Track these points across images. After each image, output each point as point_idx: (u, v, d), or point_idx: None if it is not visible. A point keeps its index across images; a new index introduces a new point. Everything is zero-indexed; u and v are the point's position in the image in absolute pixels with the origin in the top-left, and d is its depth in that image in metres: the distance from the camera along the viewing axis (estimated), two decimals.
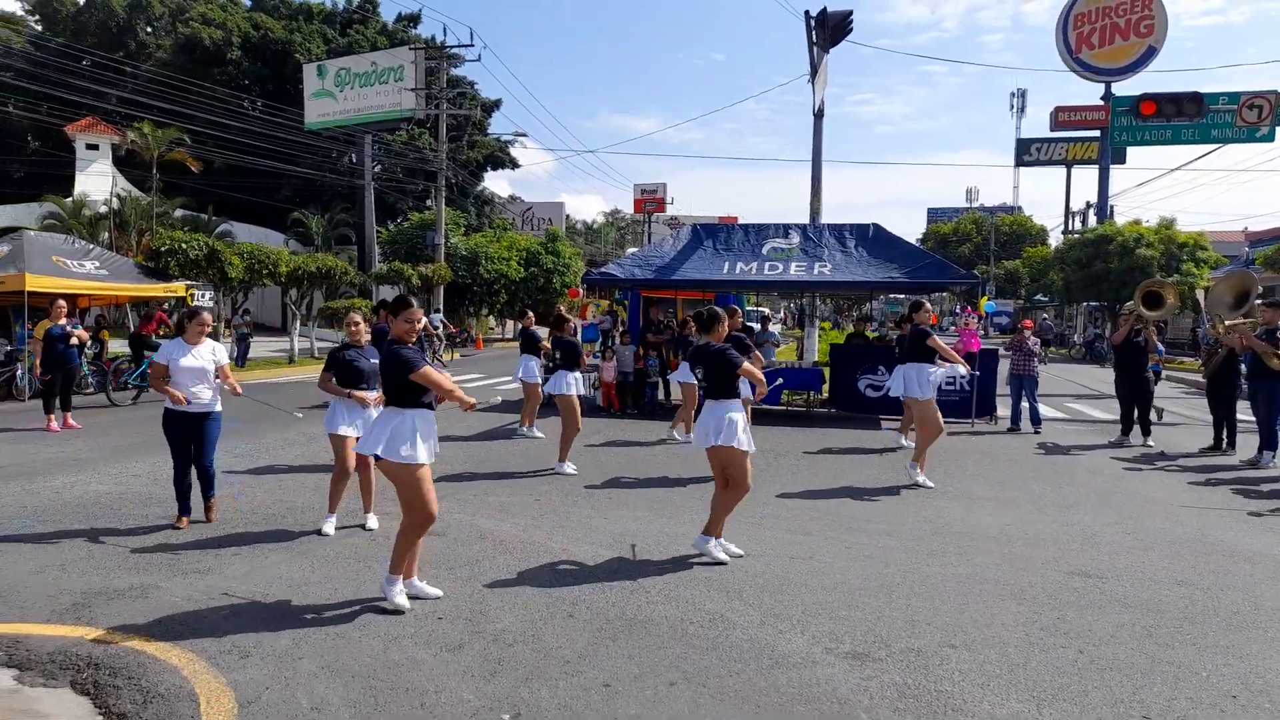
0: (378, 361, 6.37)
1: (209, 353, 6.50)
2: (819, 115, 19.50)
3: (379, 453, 4.70)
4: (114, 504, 7.15)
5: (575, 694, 3.81)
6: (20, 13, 48.20)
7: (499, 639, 4.40)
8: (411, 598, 4.86)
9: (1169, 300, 11.83)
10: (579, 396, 9.36)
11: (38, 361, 11.58)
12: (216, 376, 6.53)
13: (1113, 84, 38.68)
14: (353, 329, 6.60)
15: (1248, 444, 10.78)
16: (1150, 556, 6.17)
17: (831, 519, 7.13)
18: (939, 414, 8.77)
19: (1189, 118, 15.28)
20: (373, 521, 6.51)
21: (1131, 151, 42.49)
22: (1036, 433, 12.44)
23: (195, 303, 18.21)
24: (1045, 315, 54.74)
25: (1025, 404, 12.78)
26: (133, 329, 18.98)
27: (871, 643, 4.45)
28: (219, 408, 6.58)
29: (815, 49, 18.94)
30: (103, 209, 34.02)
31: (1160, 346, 11.92)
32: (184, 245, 18.67)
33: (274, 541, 6.10)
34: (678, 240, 15.64)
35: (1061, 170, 53.91)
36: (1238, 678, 4.12)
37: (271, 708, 3.64)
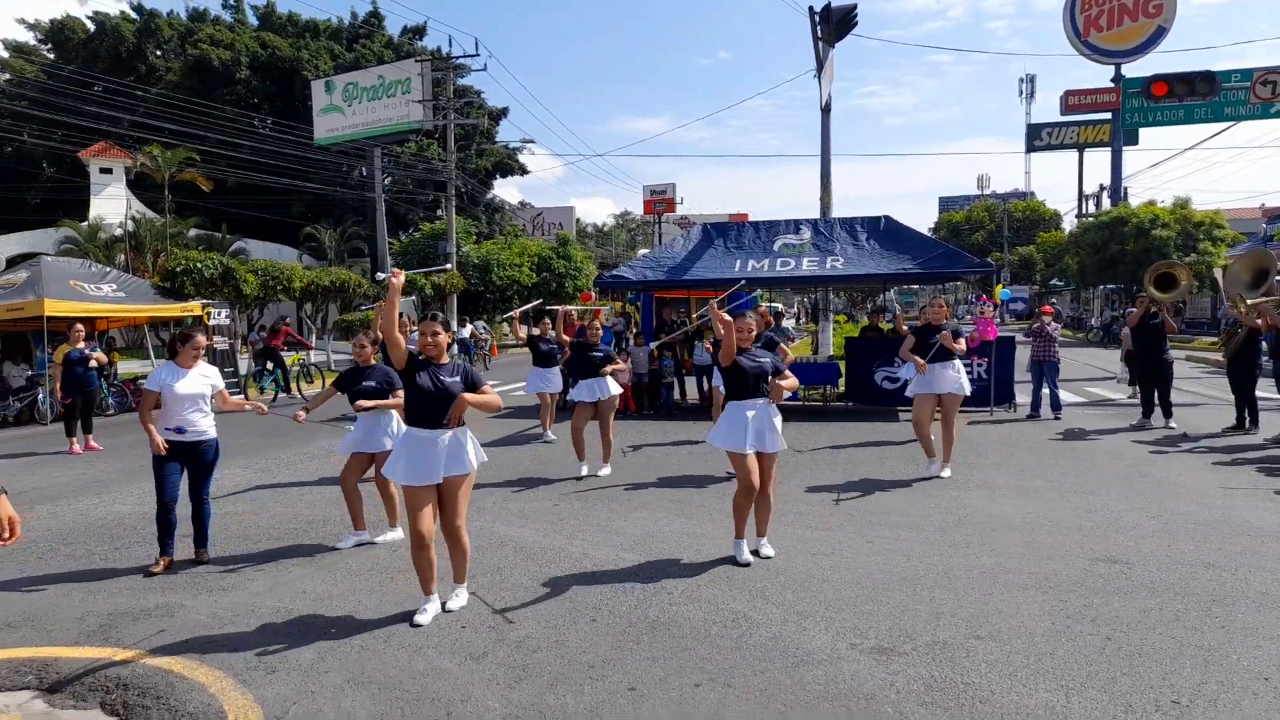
0: (373, 385, 6.44)
1: (204, 376, 6.04)
2: (826, 110, 19.46)
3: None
4: (137, 524, 7.21)
5: (601, 699, 3.81)
6: (33, 42, 48.79)
7: (522, 646, 4.40)
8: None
9: (1182, 282, 11.76)
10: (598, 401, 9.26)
11: (58, 385, 11.70)
12: (213, 399, 6.09)
13: (1122, 65, 38.40)
14: (363, 351, 6.62)
15: (1270, 423, 10.66)
16: (1176, 540, 6.11)
17: (852, 513, 7.10)
18: (919, 410, 8.65)
19: (1201, 96, 15.13)
20: (390, 536, 6.53)
21: (1144, 132, 42.05)
22: (1057, 419, 12.34)
23: (213, 321, 18.37)
24: (1054, 299, 54.35)
25: (1045, 390, 12.68)
26: (260, 344, 19.57)
27: (896, 637, 4.43)
28: (214, 434, 6.08)
29: (820, 44, 18.90)
30: (118, 232, 34.40)
31: (1174, 328, 11.80)
32: (199, 264, 18.85)
33: (296, 556, 6.14)
34: (688, 240, 15.64)
35: (1073, 154, 53.58)
36: (1270, 659, 4.06)
37: None
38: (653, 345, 13.76)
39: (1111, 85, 39.65)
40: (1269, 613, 4.67)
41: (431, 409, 4.79)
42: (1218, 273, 15.95)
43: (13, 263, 27.22)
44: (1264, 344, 11.63)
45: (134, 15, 49.38)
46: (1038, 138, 53.88)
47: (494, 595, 5.17)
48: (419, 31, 51.55)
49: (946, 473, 8.45)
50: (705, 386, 12.88)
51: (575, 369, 9.47)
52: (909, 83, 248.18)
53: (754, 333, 6.02)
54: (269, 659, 4.29)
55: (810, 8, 18.97)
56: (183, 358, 5.96)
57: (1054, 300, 52.73)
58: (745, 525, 5.81)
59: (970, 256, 15.06)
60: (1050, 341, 12.73)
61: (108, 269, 18.52)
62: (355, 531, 6.44)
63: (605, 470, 8.95)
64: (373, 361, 6.63)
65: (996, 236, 67.15)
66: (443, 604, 4.90)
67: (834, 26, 18.75)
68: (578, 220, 73.22)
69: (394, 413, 6.44)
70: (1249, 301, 10.45)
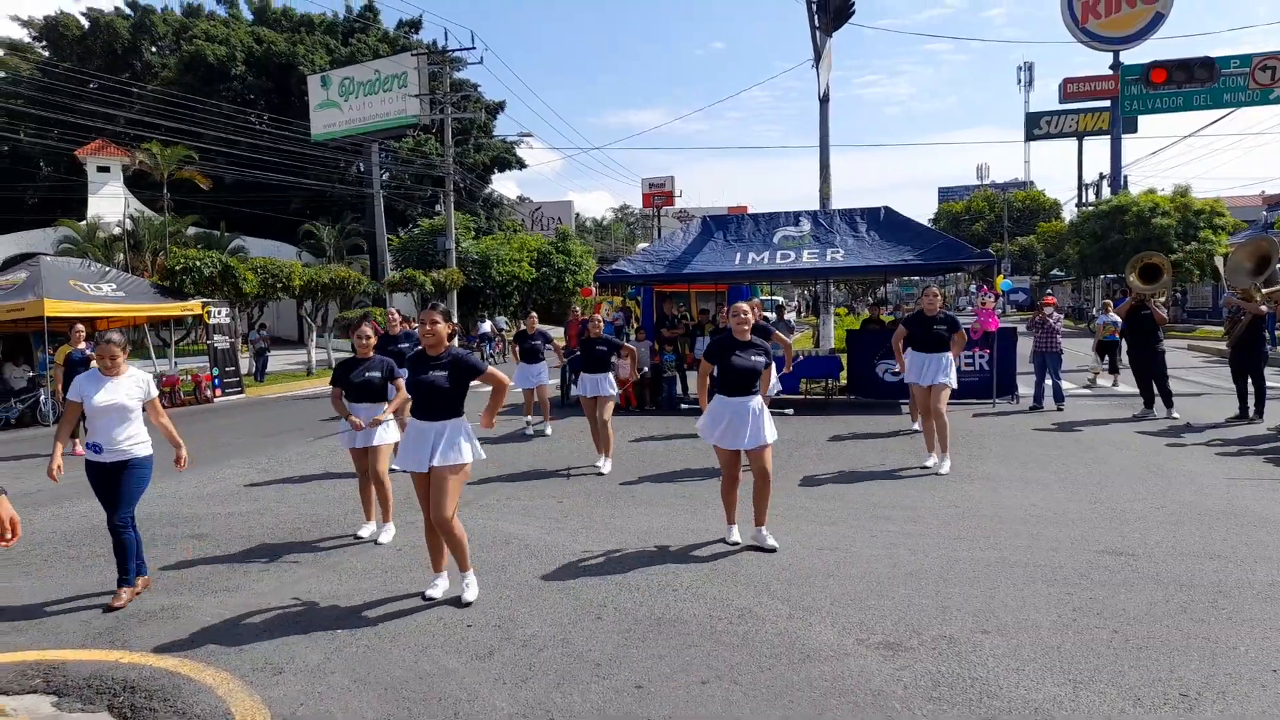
0: (378, 375, 6.45)
1: (133, 385, 5.28)
2: (824, 100, 19.39)
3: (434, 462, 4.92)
4: (141, 525, 7.16)
5: (608, 697, 3.81)
6: (27, 39, 48.67)
7: (529, 644, 4.40)
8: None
9: (1165, 273, 11.88)
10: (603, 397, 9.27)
11: (60, 386, 11.69)
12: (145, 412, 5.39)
13: (1121, 52, 38.31)
14: (363, 342, 6.59)
15: (1274, 412, 10.65)
16: (1181, 531, 6.10)
17: (856, 507, 7.10)
18: (918, 399, 8.92)
19: (1200, 83, 15.01)
20: (386, 535, 6.52)
21: (1143, 119, 41.99)
22: (1060, 410, 12.33)
23: (213, 320, 18.36)
24: (1054, 289, 54.34)
25: (1048, 381, 12.67)
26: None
27: (903, 632, 4.42)
28: (144, 453, 5.31)
29: (818, 33, 18.84)
30: (116, 231, 34.36)
31: (1164, 318, 11.82)
32: (198, 263, 18.81)
33: (301, 555, 6.14)
34: (688, 234, 15.61)
35: (1073, 143, 53.47)
36: (1277, 650, 4.06)
37: None
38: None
39: (1110, 72, 39.58)
40: (1276, 604, 4.66)
41: (421, 401, 4.98)
42: (1219, 261, 15.93)
43: (11, 263, 27.17)
44: (1268, 333, 11.61)
45: (128, 11, 49.24)
46: (1036, 126, 53.74)
47: (498, 593, 5.17)
48: (414, 25, 51.41)
49: (944, 468, 8.36)
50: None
51: (582, 364, 9.48)
52: (906, 72, 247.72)
53: (750, 322, 6.04)
54: (276, 660, 4.29)
55: None
56: (102, 362, 5.24)
57: (1050, 290, 52.72)
58: (734, 512, 6.11)
59: (971, 247, 15.03)
60: (1052, 333, 12.72)
61: (107, 268, 18.50)
62: (367, 522, 6.57)
63: (605, 466, 8.94)
64: (371, 353, 6.61)
65: (996, 227, 67.09)
66: (458, 597, 5.00)
67: (831, 15, 18.68)
68: (577, 214, 73.16)
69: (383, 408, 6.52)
70: (1264, 292, 10.43)
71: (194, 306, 18.05)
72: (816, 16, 18.78)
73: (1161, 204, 33.24)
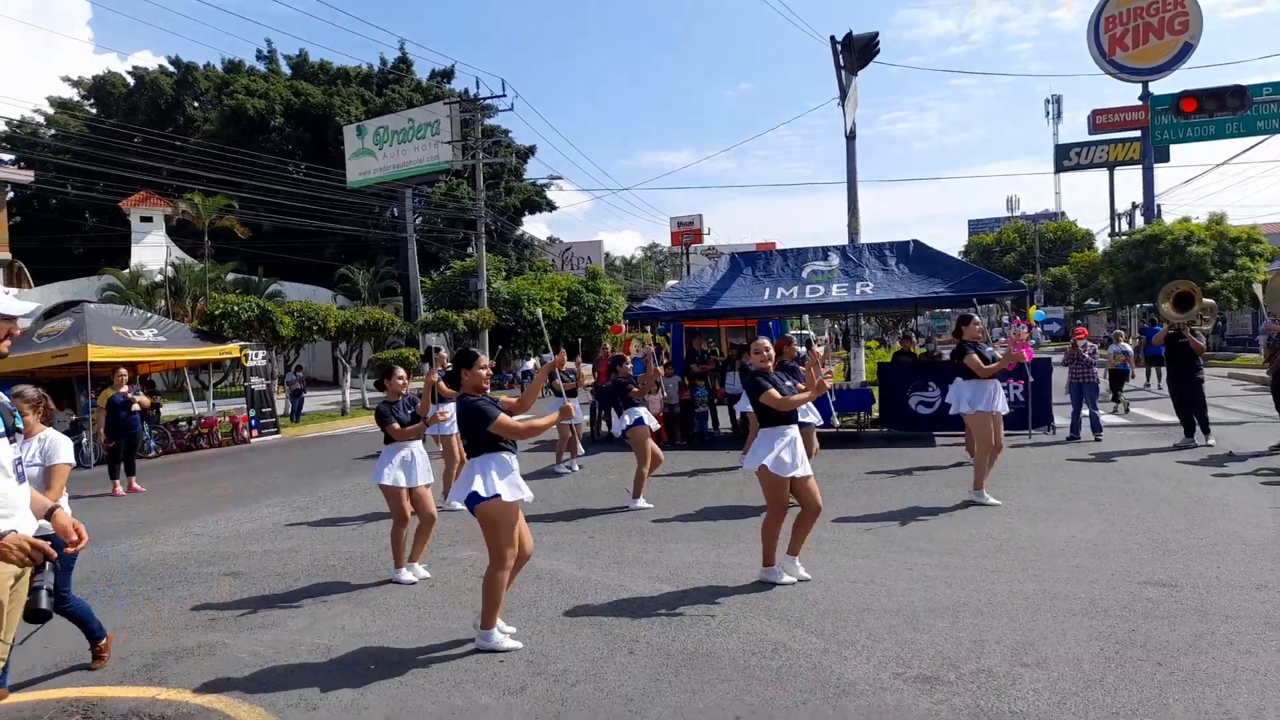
0: (413, 411, 6.61)
1: (33, 451, 4.51)
2: (851, 137, 19.50)
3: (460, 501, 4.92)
4: (179, 564, 7.31)
5: None
6: (77, 98, 50.46)
7: (561, 679, 4.38)
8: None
9: (1197, 301, 11.72)
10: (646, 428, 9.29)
11: (102, 429, 11.93)
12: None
13: (1150, 83, 38.10)
14: (397, 383, 6.68)
15: None
16: (1225, 562, 5.95)
17: (891, 540, 7.01)
18: (991, 430, 8.43)
19: (1232, 111, 14.87)
20: (422, 571, 6.54)
21: (1175, 149, 41.61)
22: (1097, 440, 12.12)
23: (250, 362, 18.69)
24: (1086, 319, 53.73)
25: (1085, 411, 12.48)
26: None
27: (940, 665, 4.34)
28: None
29: (843, 72, 19.00)
30: (158, 278, 35.21)
31: (1200, 347, 11.64)
32: (236, 308, 19.21)
33: (335, 593, 6.18)
34: (717, 270, 15.67)
35: (1103, 173, 53.10)
36: None
37: None
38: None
39: (1139, 103, 39.35)
40: None
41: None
42: (1258, 288, 15.69)
43: (57, 310, 27.93)
44: None
45: (172, 69, 50.97)
46: (1066, 158, 53.50)
47: (530, 628, 5.16)
48: (447, 75, 52.58)
49: (988, 499, 8.27)
50: (738, 416, 12.86)
51: (615, 401, 9.54)
52: (933, 107, 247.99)
53: (772, 357, 6.06)
54: (310, 696, 4.31)
55: (832, 37, 19.12)
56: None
57: (1083, 321, 52.04)
58: (774, 550, 5.90)
59: (1002, 279, 14.94)
60: (1089, 364, 12.56)
61: (148, 314, 18.98)
62: (398, 567, 6.54)
63: (639, 504, 8.93)
64: (401, 395, 6.72)
65: (1028, 258, 66.53)
66: None
67: (856, 55, 18.86)
68: (606, 254, 73.71)
69: (419, 446, 6.65)
70: None
71: (232, 350, 18.39)
72: (842, 56, 18.96)
73: (1197, 232, 32.80)
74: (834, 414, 14.33)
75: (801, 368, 8.93)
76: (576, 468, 11.74)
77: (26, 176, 32.69)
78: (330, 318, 22.08)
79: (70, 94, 50.45)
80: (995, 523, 7.47)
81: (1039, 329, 40.33)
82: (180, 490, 11.74)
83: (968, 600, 5.34)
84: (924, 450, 12.15)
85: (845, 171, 19.70)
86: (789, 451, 5.78)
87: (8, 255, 32.35)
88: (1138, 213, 43.04)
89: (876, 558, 6.48)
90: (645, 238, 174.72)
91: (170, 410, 20.46)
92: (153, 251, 37.39)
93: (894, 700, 3.97)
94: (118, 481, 11.54)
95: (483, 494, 4.71)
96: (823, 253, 15.05)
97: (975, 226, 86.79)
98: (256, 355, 19.03)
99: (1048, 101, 67.22)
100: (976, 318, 9.03)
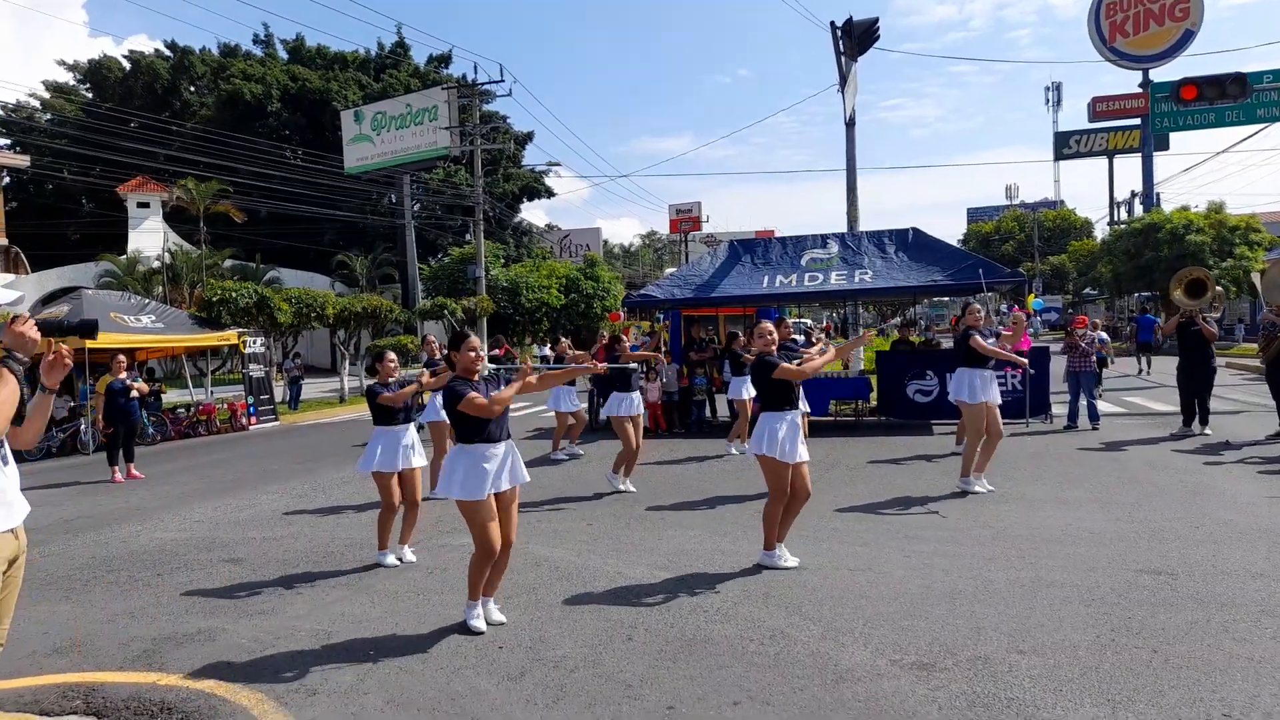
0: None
1: None
2: (850, 124, 19.47)
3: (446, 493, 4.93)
4: (178, 550, 7.33)
5: (639, 718, 3.80)
6: (72, 82, 50.18)
7: (560, 665, 4.40)
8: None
9: (1210, 288, 11.72)
10: (634, 416, 9.37)
11: (100, 416, 11.94)
12: None
13: (1150, 70, 38.01)
14: (389, 366, 6.67)
15: None
16: (1222, 550, 5.98)
17: (888, 528, 7.04)
18: (986, 419, 8.34)
19: (1233, 99, 14.81)
20: (409, 555, 6.59)
21: (1175, 136, 41.57)
22: (1095, 429, 12.15)
23: (249, 349, 18.67)
24: (1059, 308, 53.91)
25: (1083, 401, 12.50)
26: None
27: (937, 652, 4.37)
28: None
29: (843, 58, 18.95)
30: (155, 264, 35.10)
31: (1213, 334, 11.64)
32: (234, 294, 19.18)
33: (334, 579, 6.20)
34: (715, 258, 15.66)
35: (1103, 161, 53.00)
36: None
37: None
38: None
39: (1140, 90, 39.27)
40: None
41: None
42: (1255, 277, 15.70)
43: (54, 296, 27.88)
44: None
45: (168, 53, 50.68)
46: (1066, 145, 53.35)
47: (530, 615, 5.18)
48: (444, 60, 52.35)
49: (975, 486, 8.29)
50: (731, 404, 12.90)
51: (614, 385, 9.59)
52: (932, 94, 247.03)
53: (776, 340, 6.08)
54: (310, 681, 4.33)
55: (832, 23, 19.07)
56: None
57: (1080, 309, 52.07)
58: (775, 535, 5.96)
59: (1001, 267, 14.93)
60: (1086, 353, 12.55)
61: (146, 300, 18.94)
62: (383, 550, 6.59)
63: (616, 480, 9.15)
64: (392, 378, 6.70)
65: (1027, 246, 66.45)
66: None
67: (856, 41, 18.82)
68: (605, 241, 73.55)
69: (411, 430, 6.68)
70: None
71: (230, 337, 18.37)
72: (841, 42, 18.91)
73: (1196, 220, 32.80)
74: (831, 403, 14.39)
75: (804, 351, 8.95)
76: (580, 452, 11.78)
77: (22, 161, 32.59)
78: (328, 305, 22.06)
79: (66, 78, 50.20)
80: (992, 510, 7.50)
81: (1038, 318, 40.34)
82: (179, 477, 11.75)
83: (965, 587, 5.37)
84: (922, 439, 12.17)
85: (845, 158, 19.67)
86: (790, 437, 5.81)
87: (4, 241, 32.28)
88: (1137, 201, 43.01)
89: (874, 545, 6.50)
90: (644, 225, 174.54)
91: (169, 397, 20.44)
92: (150, 237, 37.27)
93: (891, 686, 3.99)
94: (116, 468, 11.54)
95: (450, 493, 4.88)
96: (822, 240, 15.04)
97: (974, 214, 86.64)
98: (255, 342, 19.00)
99: (1047, 89, 67.31)
100: (977, 305, 9.02)
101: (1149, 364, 22.20)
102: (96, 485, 11.18)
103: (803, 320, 39.31)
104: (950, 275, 13.39)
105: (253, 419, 18.41)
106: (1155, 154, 39.07)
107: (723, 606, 5.21)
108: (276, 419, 19.28)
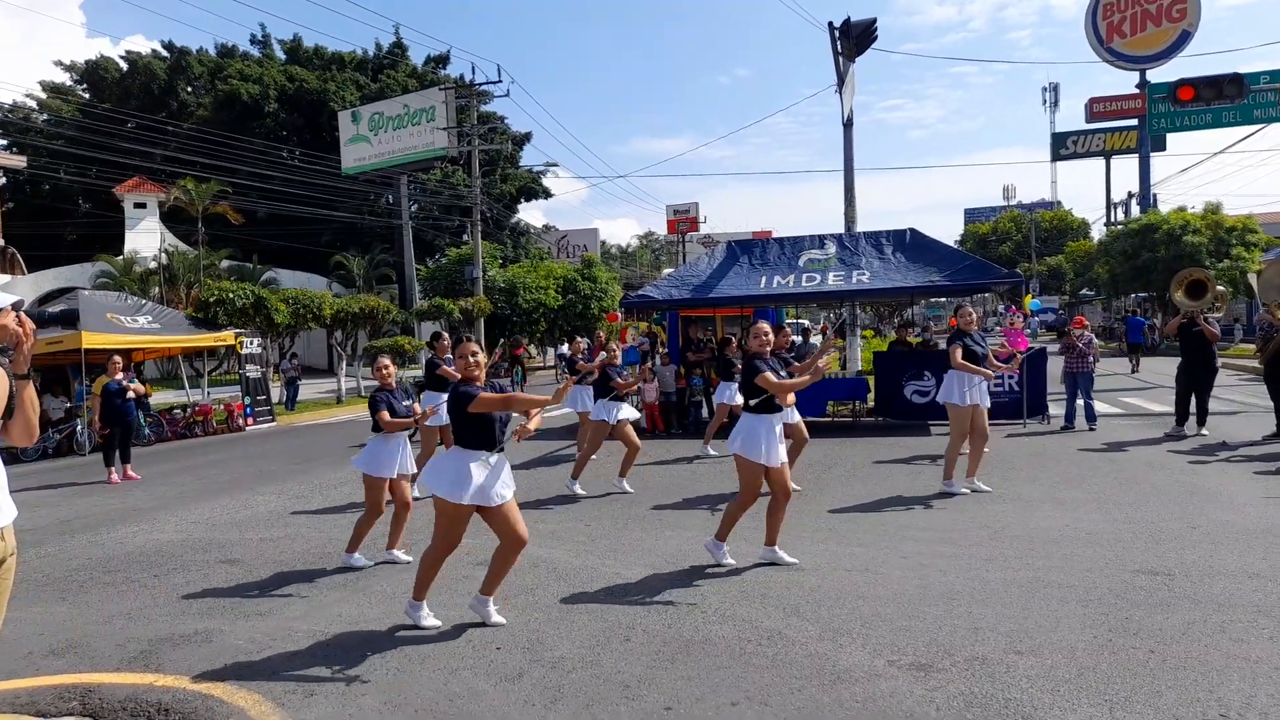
0: (409, 403, 6.58)
1: None
2: (848, 125, 19.48)
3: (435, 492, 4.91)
4: (175, 551, 7.31)
5: (637, 719, 3.79)
6: (69, 83, 50.10)
7: (557, 666, 4.40)
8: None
9: (1210, 289, 11.73)
10: (618, 423, 9.37)
11: (96, 417, 11.91)
12: None
13: (1147, 71, 38.07)
14: (383, 371, 6.66)
15: None
16: (1218, 550, 5.98)
17: (885, 529, 7.04)
18: (970, 421, 8.28)
19: (1230, 100, 14.83)
20: (403, 556, 6.59)
21: (1172, 137, 41.60)
22: (1091, 430, 12.16)
23: (245, 350, 18.64)
24: (1056, 309, 53.99)
25: (1080, 401, 12.51)
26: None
27: (934, 653, 4.37)
28: None
29: (841, 59, 18.95)
30: (152, 265, 35.07)
31: (1215, 335, 11.66)
32: (231, 295, 19.15)
33: (332, 580, 6.19)
34: (713, 258, 15.66)
35: (1100, 162, 53.01)
36: None
37: None
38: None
39: (1137, 91, 39.32)
40: None
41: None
42: (1252, 278, 15.73)
43: (50, 297, 27.82)
44: None
45: (165, 53, 50.59)
46: (1063, 146, 53.37)
47: (527, 615, 5.18)
48: (442, 60, 52.31)
49: (958, 488, 8.29)
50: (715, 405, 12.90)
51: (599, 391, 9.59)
52: (931, 95, 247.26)
53: (771, 341, 6.09)
54: (307, 682, 4.32)
55: (830, 23, 19.07)
56: None
57: (1074, 310, 52.14)
58: (730, 529, 6.08)
59: (998, 267, 14.94)
60: (1083, 354, 12.55)
61: (143, 301, 18.90)
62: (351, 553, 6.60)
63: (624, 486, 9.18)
64: (392, 384, 6.68)
65: (1024, 247, 66.60)
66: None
67: (854, 41, 18.81)
68: (602, 242, 73.51)
69: (403, 437, 6.62)
70: None
71: (227, 337, 18.35)
72: (839, 43, 18.91)
73: (1192, 221, 32.85)
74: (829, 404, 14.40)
75: (794, 367, 8.95)
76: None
77: (19, 162, 32.51)
78: (325, 305, 22.02)
79: (63, 78, 50.11)
80: (990, 511, 7.50)
81: (1035, 319, 40.39)
82: (176, 478, 11.73)
83: (962, 588, 5.37)
84: (919, 439, 12.18)
85: (842, 159, 19.68)
86: (769, 440, 5.82)
87: (1, 241, 32.21)
88: (1133, 202, 43.08)
89: (871, 546, 6.50)
90: (641, 226, 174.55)
91: (165, 398, 20.41)
92: (146, 238, 37.22)
93: (888, 687, 3.99)
94: (113, 469, 11.52)
95: (434, 488, 4.87)
96: (819, 241, 15.04)
97: (972, 215, 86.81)
98: (251, 343, 18.98)
99: (1045, 89, 67.35)
100: (969, 307, 9.00)
101: (1138, 364, 23.46)
102: (93, 486, 11.16)
103: (800, 321, 39.31)
104: (948, 276, 13.40)
105: (249, 420, 18.39)
106: (1152, 155, 39.13)
107: (720, 607, 5.21)
108: (273, 420, 19.26)
